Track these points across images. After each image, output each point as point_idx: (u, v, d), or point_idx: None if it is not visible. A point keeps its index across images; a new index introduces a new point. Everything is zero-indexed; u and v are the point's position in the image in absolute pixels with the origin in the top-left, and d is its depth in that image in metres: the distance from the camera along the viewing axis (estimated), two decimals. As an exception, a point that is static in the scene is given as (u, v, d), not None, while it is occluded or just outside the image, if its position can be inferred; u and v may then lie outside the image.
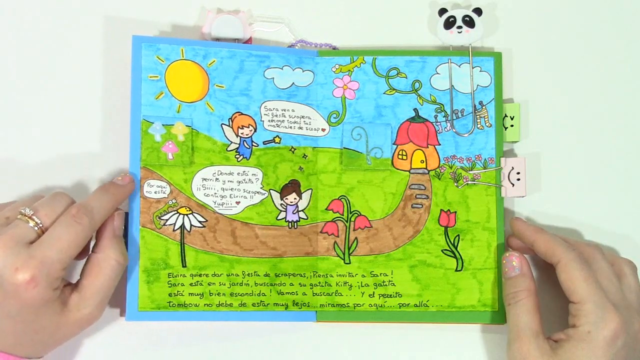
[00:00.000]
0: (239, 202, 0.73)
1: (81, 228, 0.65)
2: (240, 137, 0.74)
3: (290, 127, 0.75)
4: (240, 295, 0.72)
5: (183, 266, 0.71)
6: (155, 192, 0.71)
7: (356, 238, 0.75)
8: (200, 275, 0.71)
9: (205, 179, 0.72)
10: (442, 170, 0.75)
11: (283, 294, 0.73)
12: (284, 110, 0.75)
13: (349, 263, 0.74)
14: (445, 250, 0.75)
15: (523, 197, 0.75)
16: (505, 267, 0.72)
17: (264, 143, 0.74)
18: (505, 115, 0.76)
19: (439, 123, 0.76)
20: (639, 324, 0.68)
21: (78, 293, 0.66)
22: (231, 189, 0.73)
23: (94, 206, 0.66)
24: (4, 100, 0.75)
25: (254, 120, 0.74)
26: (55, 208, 0.66)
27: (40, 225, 0.64)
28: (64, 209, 0.66)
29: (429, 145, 0.76)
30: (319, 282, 0.74)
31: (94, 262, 0.67)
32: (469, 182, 0.75)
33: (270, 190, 0.74)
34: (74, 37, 0.76)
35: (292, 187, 0.74)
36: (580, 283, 0.68)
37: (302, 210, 0.74)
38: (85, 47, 0.76)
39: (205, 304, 0.71)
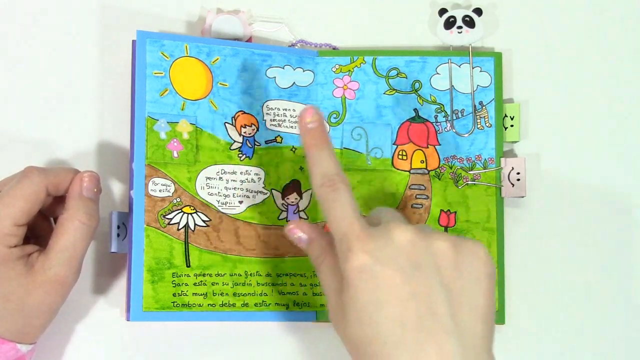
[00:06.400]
0: (242, 201, 0.73)
1: (29, 181, 0.64)
2: (243, 136, 0.73)
3: (292, 127, 0.74)
4: (243, 295, 0.71)
5: (187, 266, 0.70)
6: (159, 191, 0.70)
7: (356, 238, 0.74)
8: (204, 275, 0.71)
9: (209, 178, 0.72)
10: (442, 171, 0.75)
11: (284, 294, 0.73)
12: (286, 110, 0.74)
13: (349, 263, 0.74)
14: (446, 250, 0.75)
15: (523, 197, 0.75)
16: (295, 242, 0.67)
17: (265, 142, 0.74)
18: (505, 116, 0.76)
19: (439, 123, 0.76)
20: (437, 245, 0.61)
21: (44, 254, 0.65)
22: (234, 188, 0.72)
23: (49, 167, 0.66)
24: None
25: (256, 119, 0.74)
26: (14, 176, 0.66)
27: None
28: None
29: (429, 146, 0.76)
30: (319, 283, 0.73)
31: (58, 222, 0.66)
32: (469, 182, 0.75)
33: (272, 190, 0.73)
34: (68, 29, 0.75)
35: (293, 187, 0.74)
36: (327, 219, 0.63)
37: (303, 210, 0.74)
38: (79, 40, 0.75)
39: (208, 304, 0.70)
